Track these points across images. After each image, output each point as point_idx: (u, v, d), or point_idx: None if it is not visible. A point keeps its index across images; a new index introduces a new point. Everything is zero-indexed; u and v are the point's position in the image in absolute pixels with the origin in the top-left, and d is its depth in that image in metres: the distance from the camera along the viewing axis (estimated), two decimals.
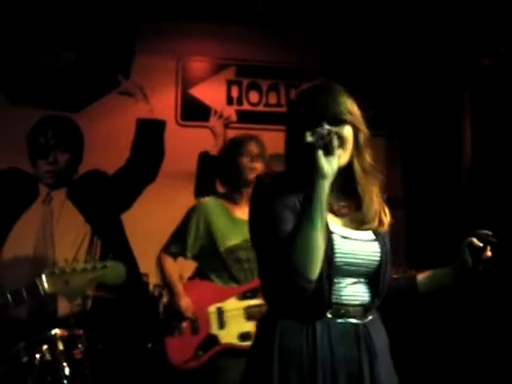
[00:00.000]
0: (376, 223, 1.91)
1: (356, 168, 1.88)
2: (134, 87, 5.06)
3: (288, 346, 1.81)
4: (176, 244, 3.53)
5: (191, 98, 5.18)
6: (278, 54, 5.22)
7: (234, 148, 3.52)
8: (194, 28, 5.05)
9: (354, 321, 1.85)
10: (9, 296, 2.56)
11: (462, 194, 4.58)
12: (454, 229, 4.13)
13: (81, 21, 4.91)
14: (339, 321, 1.83)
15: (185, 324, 3.38)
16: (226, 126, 5.21)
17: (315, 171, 1.74)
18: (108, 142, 4.95)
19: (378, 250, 1.90)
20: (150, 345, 4.40)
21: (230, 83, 5.27)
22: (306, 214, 1.74)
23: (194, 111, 5.17)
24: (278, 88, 5.32)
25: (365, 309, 1.88)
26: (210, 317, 3.35)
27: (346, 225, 1.90)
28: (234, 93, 5.26)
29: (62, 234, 4.84)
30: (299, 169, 1.84)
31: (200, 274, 3.56)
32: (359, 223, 1.90)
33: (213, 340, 3.32)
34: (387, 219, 1.95)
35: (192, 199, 5.00)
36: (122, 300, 4.64)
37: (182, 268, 3.65)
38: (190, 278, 3.87)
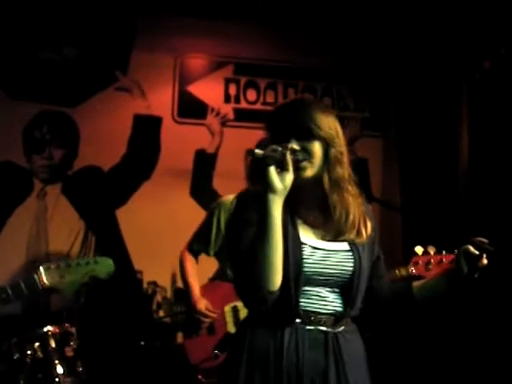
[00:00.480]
0: (353, 235, 1.95)
1: (325, 181, 1.93)
2: (132, 83, 5.03)
3: (257, 350, 1.88)
4: (198, 241, 3.54)
5: (188, 95, 5.15)
6: (277, 52, 5.21)
7: None
8: (193, 25, 5.03)
9: (323, 328, 1.90)
10: (9, 290, 2.59)
11: (459, 198, 4.56)
12: (451, 233, 4.11)
13: (79, 16, 4.88)
14: (308, 328, 1.88)
15: (203, 326, 3.39)
16: (223, 123, 5.18)
17: (265, 187, 1.79)
18: (104, 137, 4.92)
19: (351, 261, 1.94)
20: (142, 342, 4.39)
21: (227, 81, 5.25)
22: (260, 231, 1.79)
23: (191, 108, 5.15)
24: (275, 87, 5.30)
25: (336, 318, 1.92)
26: (226, 316, 3.35)
27: (319, 236, 1.95)
28: (232, 91, 5.24)
29: (55, 229, 4.80)
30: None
31: (221, 275, 3.56)
32: (334, 234, 1.95)
33: (230, 339, 3.31)
34: (367, 231, 1.98)
35: (187, 196, 5.01)
36: (115, 297, 4.63)
37: (204, 269, 3.66)
38: (212, 279, 3.86)
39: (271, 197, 1.79)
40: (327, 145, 1.92)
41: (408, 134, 5.22)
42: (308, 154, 1.90)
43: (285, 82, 5.31)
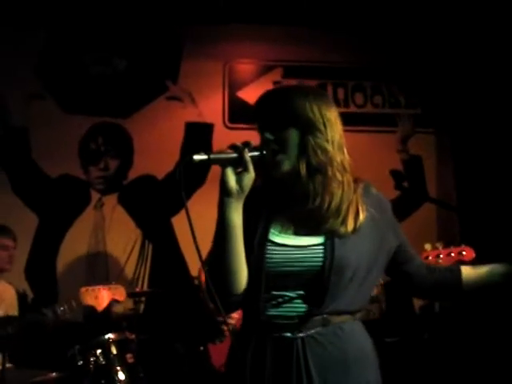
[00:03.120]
0: (336, 224, 1.76)
1: (302, 170, 1.76)
2: (182, 91, 5.09)
3: (232, 358, 1.85)
4: None
5: (238, 100, 5.18)
6: (325, 53, 5.19)
7: None
8: (240, 31, 5.07)
9: (288, 335, 1.74)
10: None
11: None
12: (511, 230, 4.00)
13: (127, 28, 4.98)
14: (274, 335, 1.75)
15: (226, 330, 3.41)
16: None
17: (220, 189, 1.72)
18: (157, 146, 5.00)
19: (320, 256, 1.74)
20: (201, 348, 4.42)
21: (276, 84, 5.24)
22: (216, 235, 1.73)
23: (241, 114, 5.16)
24: (325, 88, 5.27)
25: (301, 320, 1.74)
26: None
27: (296, 231, 1.80)
28: None
29: (113, 238, 4.90)
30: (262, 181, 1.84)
31: None
32: (313, 226, 1.78)
33: None
34: (357, 220, 1.78)
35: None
36: (173, 303, 4.68)
37: None
38: None
39: (225, 199, 1.71)
40: (304, 132, 1.76)
41: (463, 128, 5.10)
42: (282, 144, 1.76)
43: (334, 83, 5.29)
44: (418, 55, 5.18)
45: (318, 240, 1.77)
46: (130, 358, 3.60)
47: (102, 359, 3.50)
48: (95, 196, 4.96)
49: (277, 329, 1.74)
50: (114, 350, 3.55)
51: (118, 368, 3.53)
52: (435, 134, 5.31)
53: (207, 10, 4.83)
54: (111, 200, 4.96)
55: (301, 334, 1.73)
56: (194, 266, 4.88)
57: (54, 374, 3.61)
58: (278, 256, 1.76)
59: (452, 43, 5.04)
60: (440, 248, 3.09)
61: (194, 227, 5.20)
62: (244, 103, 5.18)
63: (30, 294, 4.69)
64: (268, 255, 1.75)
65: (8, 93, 4.83)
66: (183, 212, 4.98)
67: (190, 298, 4.83)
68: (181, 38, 5.10)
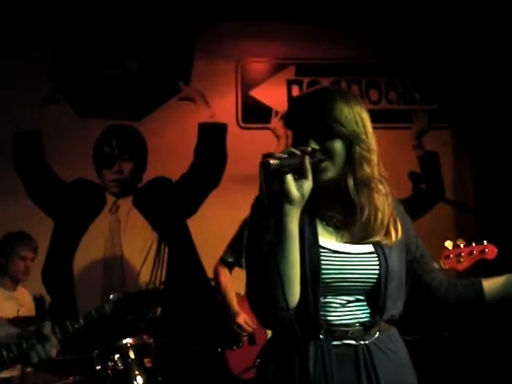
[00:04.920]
0: (380, 236, 1.77)
1: (349, 183, 1.74)
2: (195, 92, 5.07)
3: (282, 370, 1.73)
4: (232, 253, 3.59)
5: (252, 99, 5.15)
6: (338, 50, 5.15)
7: None
8: (251, 29, 5.04)
9: (352, 342, 1.73)
10: (81, 320, 2.59)
11: None
12: None
13: (139, 30, 4.97)
14: (335, 343, 1.72)
15: (243, 338, 3.40)
16: None
17: (282, 197, 1.64)
18: (171, 148, 4.98)
19: (376, 264, 1.75)
20: (219, 349, 4.40)
21: (290, 83, 5.21)
22: (275, 244, 1.62)
23: (255, 113, 5.15)
24: (339, 85, 5.22)
25: (365, 328, 1.75)
26: None
27: (341, 239, 1.78)
28: (295, 92, 5.20)
29: (129, 241, 4.90)
30: None
31: None
32: (360, 237, 1.78)
33: None
34: (397, 232, 1.80)
35: None
36: (190, 305, 4.67)
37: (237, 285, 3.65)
38: None
39: (288, 208, 1.64)
40: (351, 142, 1.73)
41: (480, 123, 5.04)
42: (328, 154, 1.72)
43: (348, 80, 5.24)
44: (432, 50, 5.13)
45: (369, 248, 1.77)
46: (148, 362, 3.58)
47: (120, 364, 3.48)
48: (110, 199, 4.95)
49: (339, 336, 1.72)
50: (131, 355, 3.53)
51: (137, 372, 3.50)
52: (451, 130, 5.25)
53: (219, 9, 4.80)
54: (126, 203, 4.95)
55: (365, 342, 1.73)
56: (211, 268, 4.85)
57: (72, 378, 3.59)
58: (333, 262, 1.73)
59: (468, 37, 4.98)
60: (461, 246, 3.02)
61: (209, 229, 5.19)
62: (257, 102, 5.16)
63: (48, 299, 4.68)
64: (324, 261, 1.72)
65: (22, 96, 4.83)
66: (198, 214, 5.00)
67: (207, 301, 4.81)
68: (192, 38, 5.07)
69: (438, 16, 4.86)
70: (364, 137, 1.75)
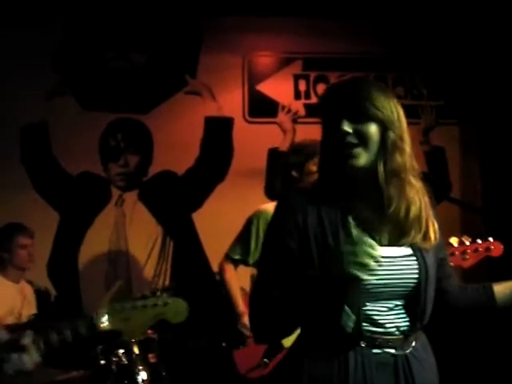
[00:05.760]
0: (418, 237, 1.69)
1: (380, 171, 1.65)
2: (201, 86, 5.05)
3: (317, 374, 1.66)
4: (237, 251, 3.55)
5: (258, 94, 5.12)
6: (345, 45, 5.11)
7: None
8: (258, 23, 5.00)
9: (392, 351, 1.67)
10: (67, 332, 2.35)
11: None
12: None
13: (146, 23, 4.94)
14: (375, 351, 1.65)
15: (249, 337, 3.38)
16: (295, 120, 5.13)
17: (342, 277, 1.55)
18: (177, 142, 4.96)
19: (416, 267, 1.68)
20: (224, 344, 4.39)
21: (296, 77, 5.18)
22: (294, 295, 1.62)
23: (261, 107, 5.12)
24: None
25: (405, 336, 1.69)
26: None
27: (377, 240, 1.65)
28: (302, 87, 5.17)
29: (134, 235, 4.89)
30: (327, 180, 1.72)
31: None
32: (395, 237, 1.69)
33: (277, 346, 3.28)
34: (436, 232, 1.72)
35: (262, 196, 4.97)
36: (195, 300, 4.66)
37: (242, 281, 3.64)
38: None
39: (329, 287, 1.57)
40: (385, 128, 1.65)
41: (488, 119, 4.99)
42: (361, 138, 1.64)
43: (355, 74, 5.19)
44: (440, 46, 5.08)
45: (407, 251, 1.70)
46: (152, 357, 3.59)
47: (124, 359, 3.49)
48: (116, 193, 4.94)
49: (380, 344, 1.66)
50: (136, 350, 3.53)
51: (141, 368, 3.50)
52: (459, 126, 5.22)
53: (226, 4, 4.77)
54: (132, 197, 4.95)
55: (403, 352, 1.68)
56: (216, 262, 4.83)
57: (76, 372, 3.60)
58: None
59: (476, 33, 4.93)
60: (467, 243, 2.99)
61: (214, 223, 5.17)
62: (264, 96, 5.13)
63: (53, 292, 4.69)
64: None
65: (28, 89, 4.80)
66: (204, 208, 4.99)
67: (212, 295, 4.81)
68: (199, 32, 5.04)
69: (446, 11, 4.82)
70: (398, 125, 1.68)
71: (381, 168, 1.65)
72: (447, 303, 1.86)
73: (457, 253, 2.95)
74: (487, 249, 2.99)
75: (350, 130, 1.64)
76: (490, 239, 3.01)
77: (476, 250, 2.98)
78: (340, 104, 1.67)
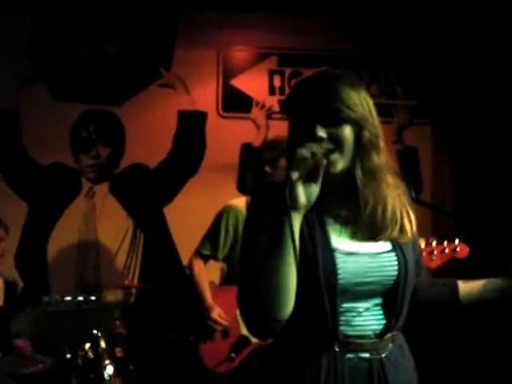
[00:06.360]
0: (395, 231, 1.64)
1: (357, 173, 1.61)
2: (175, 79, 5.02)
3: (289, 377, 1.61)
4: (207, 246, 3.57)
5: (233, 88, 5.11)
6: (321, 42, 5.11)
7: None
8: (234, 18, 4.99)
9: (366, 355, 1.61)
10: None
11: None
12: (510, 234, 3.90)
13: (120, 13, 4.89)
14: (348, 356, 1.59)
15: (217, 331, 3.38)
16: (269, 116, 5.12)
17: (289, 201, 1.47)
18: (149, 134, 4.93)
19: (395, 263, 1.64)
20: (191, 338, 4.39)
21: (271, 73, 5.17)
22: (271, 252, 1.48)
23: (235, 102, 5.10)
24: None
25: (381, 339, 1.63)
26: (238, 319, 3.30)
27: (354, 237, 1.64)
28: (277, 82, 5.17)
29: (105, 228, 4.85)
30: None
31: (231, 279, 3.53)
32: (372, 233, 1.64)
33: (244, 341, 3.30)
34: (412, 226, 1.68)
35: (234, 191, 4.97)
36: (164, 293, 4.65)
37: (212, 274, 3.66)
38: (222, 284, 3.83)
39: (292, 214, 1.47)
40: (359, 127, 1.59)
41: (460, 120, 5.03)
42: (337, 142, 1.57)
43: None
44: (415, 45, 5.11)
45: (386, 247, 1.66)
46: (119, 351, 3.59)
47: (90, 353, 3.48)
48: (86, 185, 4.89)
49: (354, 349, 1.61)
50: (102, 344, 3.53)
51: (107, 362, 3.51)
52: (431, 126, 5.26)
53: None
54: (102, 189, 4.90)
55: (378, 356, 1.63)
56: (186, 256, 4.82)
57: (42, 366, 3.57)
58: (350, 265, 1.59)
59: (450, 34, 4.97)
60: (433, 244, 3.03)
61: (185, 218, 5.17)
62: (238, 91, 5.12)
63: (20, 283, 4.63)
64: (340, 265, 1.58)
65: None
66: (175, 202, 4.96)
67: (182, 289, 4.80)
68: (175, 25, 5.01)
69: (421, 11, 4.85)
70: (371, 121, 1.62)
71: (358, 171, 1.62)
72: (413, 299, 1.80)
73: (424, 253, 2.99)
74: (453, 250, 3.04)
75: (325, 136, 1.57)
76: (457, 241, 3.05)
77: (443, 251, 3.02)
78: (310, 107, 1.60)
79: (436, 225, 4.59)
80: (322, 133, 1.57)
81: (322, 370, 1.58)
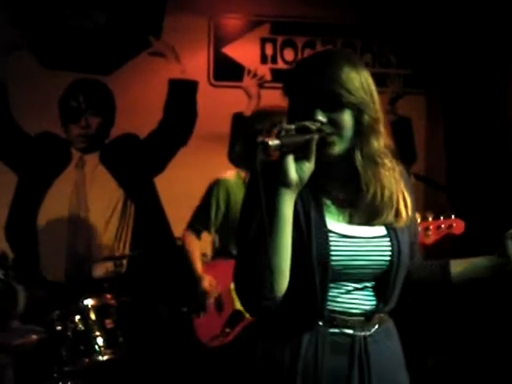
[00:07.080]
0: (391, 216, 1.66)
1: (356, 157, 1.62)
2: (165, 47, 4.92)
3: (271, 352, 1.64)
4: (199, 219, 3.56)
5: (224, 57, 5.02)
6: (314, 9, 5.01)
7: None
8: None
9: (350, 332, 1.63)
10: None
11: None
12: (503, 207, 3.88)
13: None
14: (332, 330, 1.62)
15: (210, 303, 3.36)
16: (261, 85, 5.05)
17: (278, 178, 1.49)
18: (140, 104, 4.85)
19: (389, 249, 1.65)
20: (184, 309, 4.39)
21: (264, 41, 5.09)
22: (264, 229, 1.47)
23: (226, 71, 5.02)
24: (314, 45, 5.11)
25: (367, 318, 1.65)
26: (232, 293, 3.29)
27: (349, 220, 1.67)
28: (269, 51, 5.09)
29: (95, 198, 4.81)
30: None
31: (223, 252, 3.51)
32: (368, 217, 1.66)
33: (238, 315, 3.29)
34: (408, 210, 1.69)
35: (225, 161, 4.90)
36: (155, 264, 4.64)
37: (205, 247, 3.64)
38: (214, 257, 3.81)
39: (283, 191, 1.49)
40: (359, 111, 1.59)
41: (454, 90, 4.98)
42: (337, 127, 1.58)
43: (323, 40, 5.12)
44: (409, 14, 5.02)
45: (381, 231, 1.67)
46: (109, 323, 3.57)
47: (80, 325, 3.47)
48: (76, 155, 4.83)
49: (338, 324, 1.63)
50: (92, 316, 3.52)
51: (97, 333, 3.50)
52: (425, 96, 5.20)
53: None
54: (93, 159, 4.84)
55: (363, 333, 1.64)
56: (177, 227, 4.81)
57: (32, 338, 3.56)
58: (344, 247, 1.61)
59: (444, 3, 4.89)
60: (430, 219, 2.99)
61: (176, 188, 5.15)
62: (229, 60, 5.04)
63: (11, 255, 4.60)
64: (333, 247, 1.60)
65: None
66: (166, 172, 4.92)
67: (173, 259, 4.78)
68: None
69: None
70: (372, 106, 1.62)
71: (358, 155, 1.63)
72: (406, 281, 1.79)
73: (419, 229, 2.94)
74: (449, 226, 2.99)
75: (325, 120, 1.57)
76: (453, 217, 3.01)
77: (439, 227, 2.98)
78: (311, 91, 1.59)
79: (429, 199, 4.58)
80: (321, 117, 1.57)
81: (303, 341, 1.61)
